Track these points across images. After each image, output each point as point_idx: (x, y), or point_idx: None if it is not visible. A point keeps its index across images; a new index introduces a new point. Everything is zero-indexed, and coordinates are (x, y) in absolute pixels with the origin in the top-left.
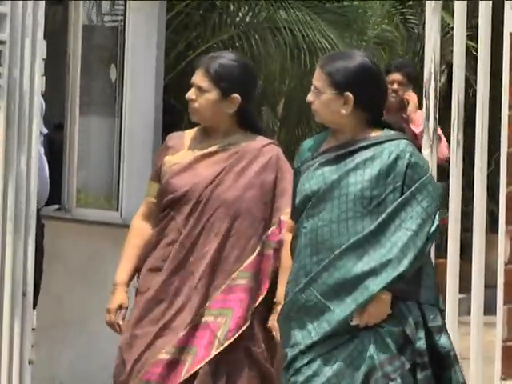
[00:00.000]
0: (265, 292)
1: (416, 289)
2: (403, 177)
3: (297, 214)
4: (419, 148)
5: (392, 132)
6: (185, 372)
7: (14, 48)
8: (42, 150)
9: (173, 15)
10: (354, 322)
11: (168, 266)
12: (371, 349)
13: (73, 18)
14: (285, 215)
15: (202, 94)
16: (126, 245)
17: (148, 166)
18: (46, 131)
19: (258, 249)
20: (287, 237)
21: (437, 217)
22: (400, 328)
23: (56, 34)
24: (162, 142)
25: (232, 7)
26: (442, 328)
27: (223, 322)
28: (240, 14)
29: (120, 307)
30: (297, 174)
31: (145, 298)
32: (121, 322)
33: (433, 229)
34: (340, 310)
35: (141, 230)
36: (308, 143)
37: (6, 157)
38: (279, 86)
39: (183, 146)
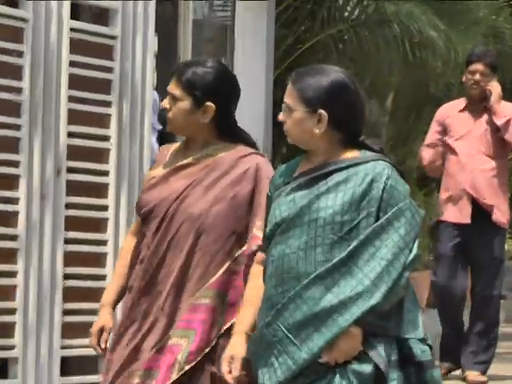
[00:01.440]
0: (236, 313)
1: (397, 324)
2: (379, 201)
3: (267, 243)
4: (502, 140)
5: (369, 153)
6: None
7: (125, 43)
8: (156, 146)
9: (282, 9)
10: (322, 360)
11: (137, 284)
12: None
13: (183, 14)
14: (257, 229)
15: (175, 102)
16: (116, 265)
17: None
18: (159, 127)
19: (225, 266)
20: (255, 269)
21: (415, 245)
22: (371, 367)
23: (167, 30)
24: (273, 137)
25: (341, 1)
26: (434, 363)
27: (185, 344)
28: (348, 8)
29: (101, 329)
30: (269, 202)
31: (120, 321)
32: (102, 345)
33: (410, 258)
34: (307, 348)
35: (128, 248)
36: (281, 169)
37: (119, 149)
38: (388, 79)
39: (165, 159)
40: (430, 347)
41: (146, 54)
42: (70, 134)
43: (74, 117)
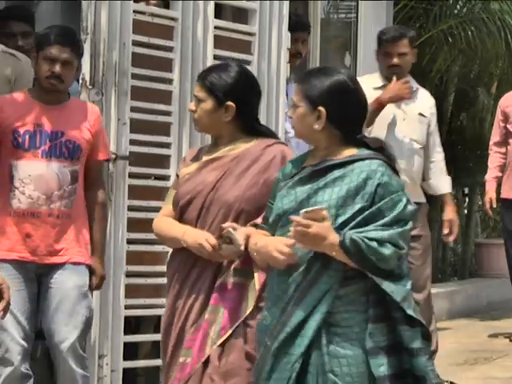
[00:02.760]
0: (261, 287)
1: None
2: (372, 196)
3: (270, 228)
4: None
5: (367, 151)
6: (187, 374)
7: (262, 39)
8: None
9: (399, 8)
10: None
11: (182, 269)
12: None
13: (312, 13)
14: None
15: (199, 104)
16: (166, 225)
17: None
18: None
19: None
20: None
21: (401, 242)
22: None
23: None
24: None
25: (451, 0)
26: (424, 350)
27: (216, 319)
28: (458, 6)
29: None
30: (275, 185)
31: (168, 304)
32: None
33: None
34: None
35: (170, 219)
36: (293, 159)
37: None
38: (492, 68)
39: (196, 157)
40: (425, 333)
41: (280, 50)
42: None
43: None
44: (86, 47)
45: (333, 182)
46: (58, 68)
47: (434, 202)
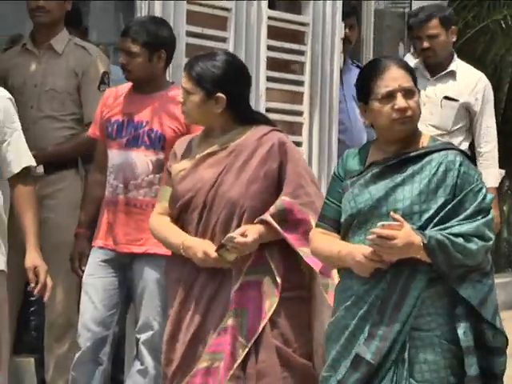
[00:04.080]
0: (281, 280)
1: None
2: (454, 188)
3: (343, 228)
4: None
5: (439, 142)
6: (222, 377)
7: (316, 29)
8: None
9: None
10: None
11: (188, 274)
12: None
13: (366, 3)
14: (285, 195)
15: (188, 96)
16: (164, 228)
17: None
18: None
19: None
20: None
21: (488, 232)
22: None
23: None
24: None
25: None
26: (503, 350)
27: (241, 322)
28: None
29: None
30: (336, 182)
31: (173, 312)
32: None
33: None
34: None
35: (167, 221)
36: (352, 153)
37: (310, 123)
38: None
39: (188, 151)
40: (503, 334)
41: (334, 39)
42: (268, 110)
43: (272, 94)
44: None
45: (411, 177)
46: (121, 58)
47: None
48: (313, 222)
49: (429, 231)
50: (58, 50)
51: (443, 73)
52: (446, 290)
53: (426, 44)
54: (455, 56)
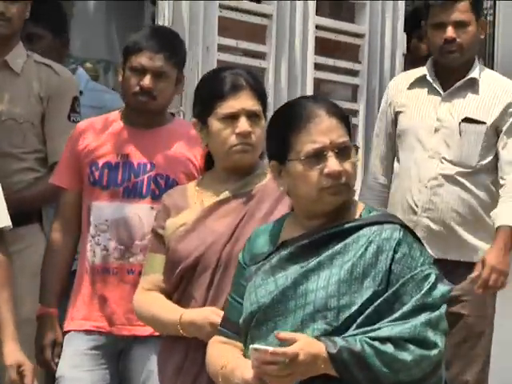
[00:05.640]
0: None
1: None
2: (387, 276)
3: (242, 331)
4: None
5: (375, 212)
6: None
7: (373, 42)
8: None
9: None
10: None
11: (190, 367)
12: None
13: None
14: None
15: (258, 122)
16: (153, 304)
17: None
18: None
19: None
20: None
21: (431, 335)
22: None
23: None
24: None
25: None
26: None
27: None
28: None
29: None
30: (239, 272)
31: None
32: None
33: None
34: None
35: (160, 297)
36: (260, 231)
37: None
38: None
39: (187, 202)
40: None
41: (394, 54)
42: None
43: None
44: None
45: (330, 260)
46: (147, 81)
47: None
48: None
49: (347, 336)
50: (16, 70)
51: (460, 82)
52: None
53: (451, 33)
54: (477, 60)
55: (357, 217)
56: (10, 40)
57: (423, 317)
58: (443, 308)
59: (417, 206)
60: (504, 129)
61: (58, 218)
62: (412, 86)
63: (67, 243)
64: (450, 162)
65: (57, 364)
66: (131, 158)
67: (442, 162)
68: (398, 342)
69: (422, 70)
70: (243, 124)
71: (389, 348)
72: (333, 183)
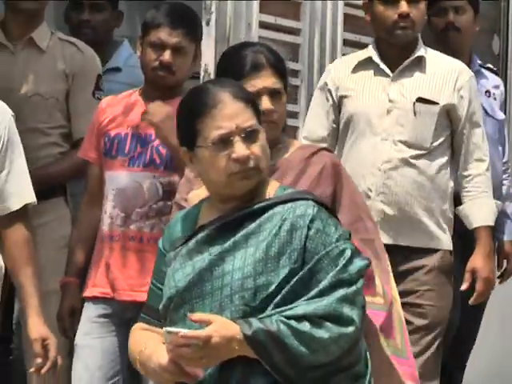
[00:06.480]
0: None
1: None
2: (302, 253)
3: (162, 316)
4: None
5: (289, 189)
6: None
7: None
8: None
9: None
10: None
11: None
12: None
13: None
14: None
15: (280, 98)
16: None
17: None
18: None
19: None
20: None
21: (348, 311)
22: None
23: None
24: None
25: None
26: None
27: None
28: None
29: None
30: (160, 258)
31: None
32: None
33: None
34: None
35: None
36: (178, 217)
37: None
38: None
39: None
40: None
41: None
42: None
43: None
44: (210, 30)
45: (245, 240)
46: (167, 56)
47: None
48: (374, 269)
49: (264, 316)
50: (42, 46)
51: (408, 61)
52: None
53: (405, 7)
54: (421, 41)
55: (272, 196)
56: (36, 16)
57: (339, 293)
58: (360, 283)
59: (370, 191)
60: (463, 114)
61: (87, 192)
62: (356, 69)
63: (95, 215)
64: (404, 143)
65: (75, 331)
66: (140, 129)
67: (395, 145)
68: (314, 319)
69: (366, 53)
70: (266, 103)
71: (305, 326)
72: (241, 168)
